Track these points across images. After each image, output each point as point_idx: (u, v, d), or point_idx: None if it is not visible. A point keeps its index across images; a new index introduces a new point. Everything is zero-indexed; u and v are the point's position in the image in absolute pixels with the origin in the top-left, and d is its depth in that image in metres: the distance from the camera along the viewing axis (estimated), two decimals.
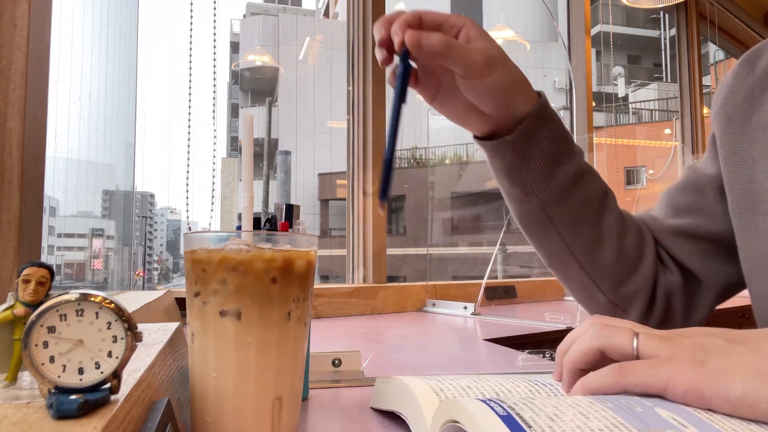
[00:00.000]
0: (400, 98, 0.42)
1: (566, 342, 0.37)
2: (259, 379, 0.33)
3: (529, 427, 0.26)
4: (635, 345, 0.33)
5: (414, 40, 0.42)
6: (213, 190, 1.31)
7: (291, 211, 0.44)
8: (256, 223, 0.40)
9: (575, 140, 0.51)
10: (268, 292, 0.33)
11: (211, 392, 0.33)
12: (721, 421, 0.28)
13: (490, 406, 0.29)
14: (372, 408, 0.47)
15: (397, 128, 0.41)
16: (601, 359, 0.34)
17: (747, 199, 0.48)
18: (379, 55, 0.45)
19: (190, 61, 1.25)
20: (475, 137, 0.52)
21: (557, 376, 0.37)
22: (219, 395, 0.33)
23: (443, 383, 0.39)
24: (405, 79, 0.43)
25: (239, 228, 0.35)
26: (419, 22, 0.44)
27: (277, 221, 0.43)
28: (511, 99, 0.47)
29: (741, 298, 0.60)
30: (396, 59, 0.44)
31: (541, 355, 0.49)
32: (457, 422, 0.29)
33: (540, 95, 0.50)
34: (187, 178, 1.37)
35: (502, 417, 0.27)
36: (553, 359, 0.43)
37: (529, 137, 0.49)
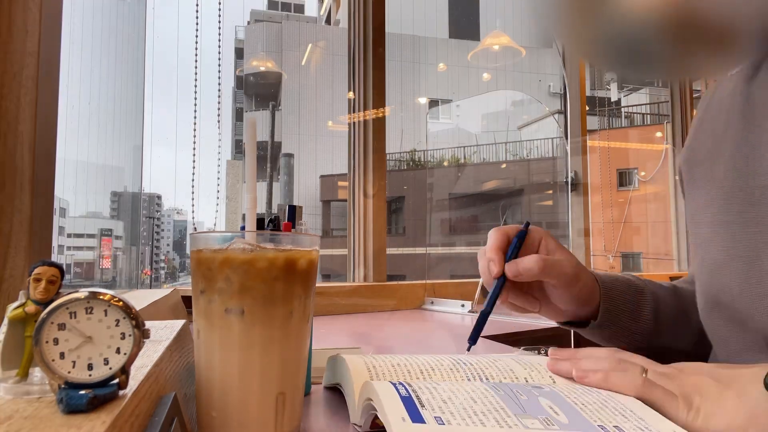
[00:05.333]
0: (491, 305, 0.50)
1: (584, 351, 0.44)
2: (263, 375, 0.34)
3: (422, 406, 0.32)
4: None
5: (513, 272, 0.50)
6: (218, 191, 1.32)
7: (294, 211, 0.45)
8: (260, 223, 0.40)
9: (569, 143, 0.55)
10: (271, 290, 0.34)
11: (217, 387, 0.34)
12: (591, 412, 0.33)
13: (396, 389, 0.34)
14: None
15: (485, 318, 0.49)
16: None
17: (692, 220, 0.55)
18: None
19: (196, 67, 1.27)
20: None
21: (562, 364, 0.42)
22: (224, 390, 0.34)
23: (378, 360, 0.42)
24: (497, 291, 0.51)
25: (243, 228, 0.36)
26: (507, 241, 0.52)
27: (280, 222, 0.43)
28: (591, 300, 0.54)
29: None
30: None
31: (536, 351, 0.49)
32: (371, 400, 0.35)
33: (597, 279, 0.56)
34: (193, 180, 1.38)
35: (403, 397, 0.33)
36: (547, 354, 0.44)
37: (609, 315, 0.55)
